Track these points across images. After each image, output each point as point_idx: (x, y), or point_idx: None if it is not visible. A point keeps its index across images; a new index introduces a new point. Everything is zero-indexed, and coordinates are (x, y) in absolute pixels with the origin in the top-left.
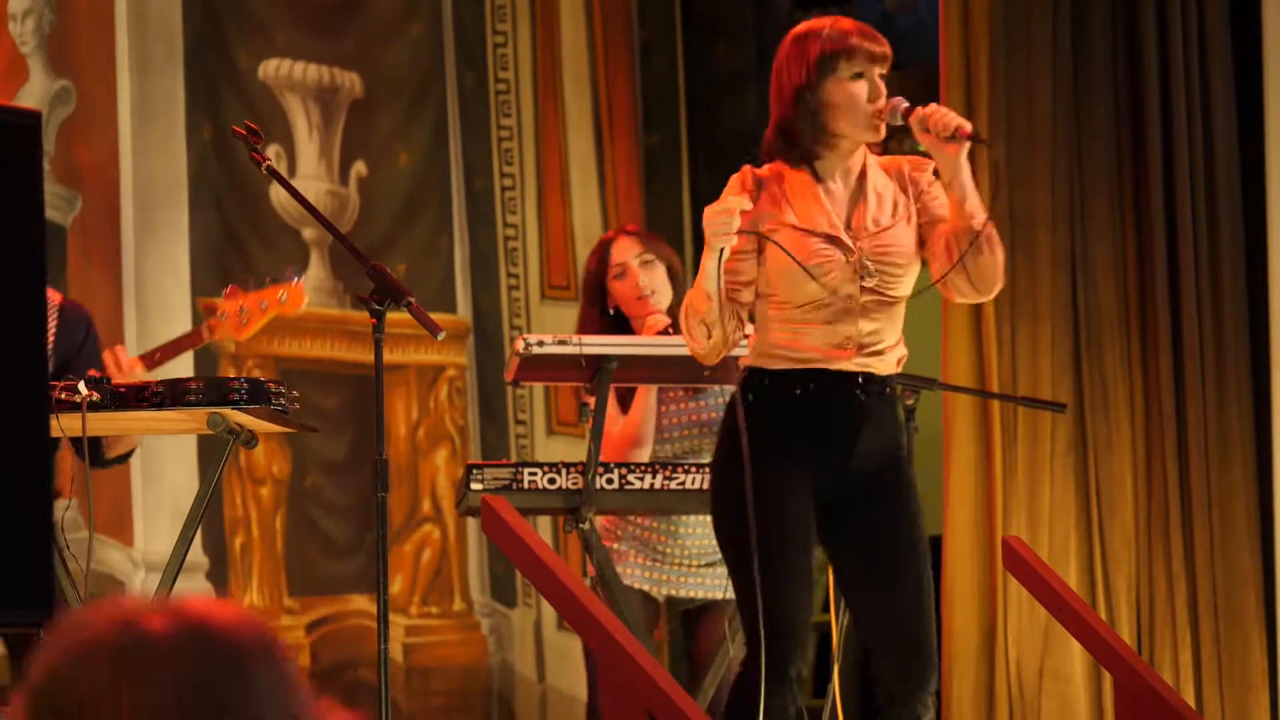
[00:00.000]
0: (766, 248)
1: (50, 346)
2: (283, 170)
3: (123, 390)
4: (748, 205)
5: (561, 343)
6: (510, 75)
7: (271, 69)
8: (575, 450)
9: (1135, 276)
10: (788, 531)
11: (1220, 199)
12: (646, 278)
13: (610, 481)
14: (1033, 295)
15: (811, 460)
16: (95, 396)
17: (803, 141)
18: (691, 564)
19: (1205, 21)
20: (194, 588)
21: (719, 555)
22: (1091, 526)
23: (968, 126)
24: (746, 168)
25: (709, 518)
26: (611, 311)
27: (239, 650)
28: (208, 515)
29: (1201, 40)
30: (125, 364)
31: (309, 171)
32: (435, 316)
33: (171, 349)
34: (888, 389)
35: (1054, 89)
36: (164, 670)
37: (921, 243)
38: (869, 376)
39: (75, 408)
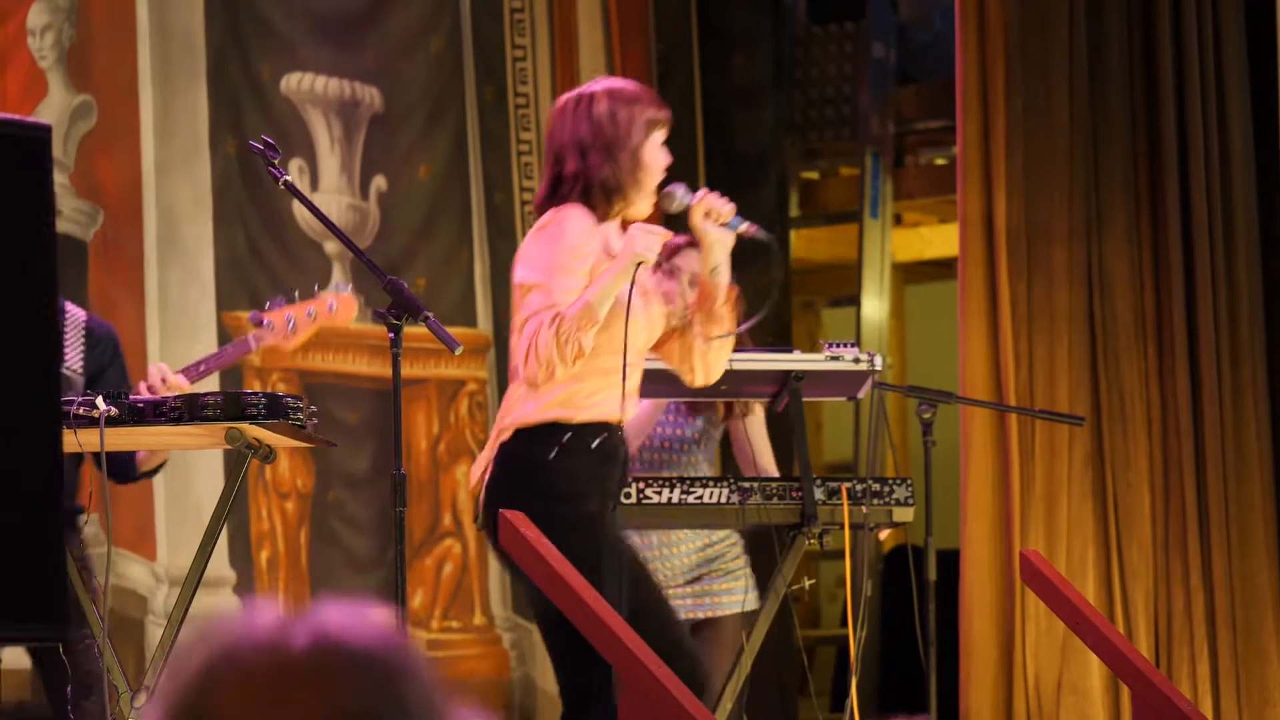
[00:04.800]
0: None
1: (81, 365)
2: (305, 184)
3: (140, 405)
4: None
5: None
6: (529, 89)
7: (294, 83)
8: None
9: (1152, 290)
10: None
11: (1237, 212)
12: None
13: (628, 496)
14: (1050, 309)
15: None
16: (113, 412)
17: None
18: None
19: (1221, 34)
20: (220, 603)
21: (698, 572)
22: (1109, 540)
23: (749, 225)
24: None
25: (701, 534)
26: None
27: (384, 667)
28: (235, 529)
29: (1218, 54)
30: (170, 381)
31: (331, 185)
32: (455, 331)
33: (216, 361)
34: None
35: (1070, 102)
36: (310, 692)
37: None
38: None
39: (93, 423)
